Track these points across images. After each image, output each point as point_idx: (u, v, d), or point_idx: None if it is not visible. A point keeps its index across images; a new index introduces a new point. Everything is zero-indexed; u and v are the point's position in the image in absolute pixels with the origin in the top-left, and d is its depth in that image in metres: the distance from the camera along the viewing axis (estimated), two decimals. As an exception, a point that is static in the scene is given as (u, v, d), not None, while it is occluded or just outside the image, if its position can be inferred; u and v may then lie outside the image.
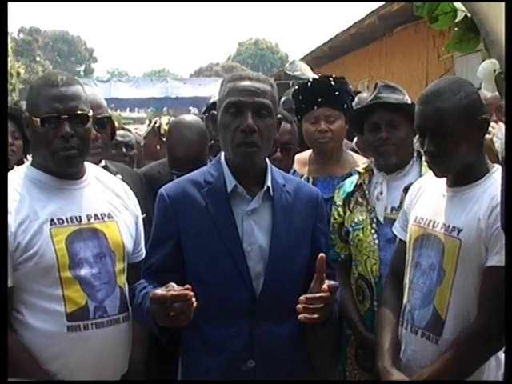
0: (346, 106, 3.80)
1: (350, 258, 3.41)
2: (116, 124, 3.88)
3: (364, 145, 3.46)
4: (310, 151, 3.98)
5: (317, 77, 4.11)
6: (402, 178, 3.28)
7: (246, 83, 2.60)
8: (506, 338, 1.68)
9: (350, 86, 4.04)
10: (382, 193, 3.30)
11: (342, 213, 3.46)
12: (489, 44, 1.71)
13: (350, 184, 3.49)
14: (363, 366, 3.36)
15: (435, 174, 2.70)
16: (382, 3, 12.10)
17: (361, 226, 3.33)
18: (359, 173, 3.46)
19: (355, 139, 4.78)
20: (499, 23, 1.63)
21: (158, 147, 5.66)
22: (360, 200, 3.39)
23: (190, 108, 22.93)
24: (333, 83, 3.80)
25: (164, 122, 5.83)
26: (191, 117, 4.02)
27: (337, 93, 3.78)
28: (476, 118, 2.56)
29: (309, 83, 3.90)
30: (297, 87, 4.02)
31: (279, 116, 2.74)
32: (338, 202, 3.50)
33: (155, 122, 5.82)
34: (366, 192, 3.35)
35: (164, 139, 5.51)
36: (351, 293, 3.35)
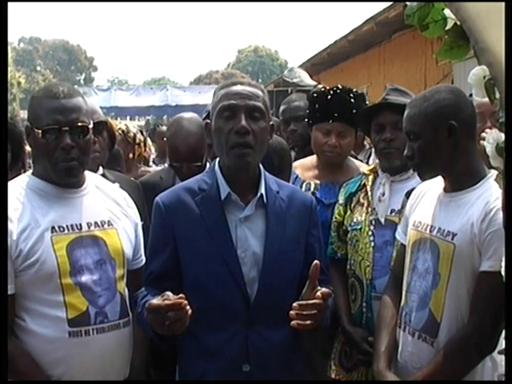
0: None
1: (347, 257, 3.44)
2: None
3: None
4: (312, 157, 4.01)
5: (324, 86, 4.06)
6: (405, 182, 3.31)
7: (238, 88, 2.64)
8: (506, 337, 1.70)
9: (367, 103, 4.02)
10: (384, 194, 3.33)
11: (342, 212, 3.51)
12: (478, 51, 1.74)
13: (354, 184, 3.53)
14: (343, 364, 3.42)
15: (419, 176, 2.82)
16: (380, 10, 12.14)
17: (359, 227, 3.37)
18: (364, 174, 3.51)
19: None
20: (488, 31, 1.67)
21: (131, 155, 5.69)
22: (361, 201, 3.43)
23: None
24: (352, 100, 3.77)
25: (133, 129, 5.85)
26: (190, 113, 4.07)
27: (354, 111, 3.75)
28: (442, 124, 2.63)
29: (329, 95, 3.83)
30: (315, 94, 3.97)
31: (272, 122, 2.76)
32: (340, 201, 3.54)
33: (127, 131, 5.76)
34: (369, 193, 3.39)
35: (136, 147, 5.64)
36: (343, 290, 3.39)
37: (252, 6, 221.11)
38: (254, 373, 2.60)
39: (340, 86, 3.90)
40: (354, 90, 3.89)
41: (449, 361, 2.55)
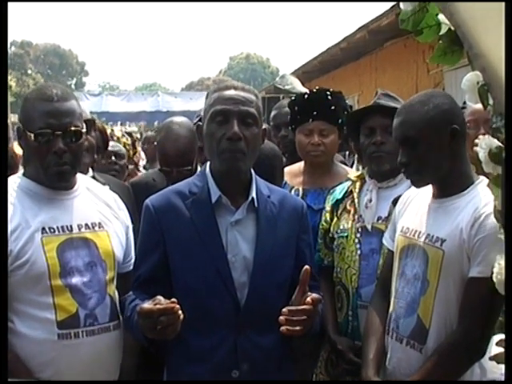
0: (340, 120, 3.79)
1: (334, 265, 3.41)
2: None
3: (359, 151, 3.48)
4: (300, 163, 3.99)
5: (307, 90, 4.11)
6: (392, 189, 3.28)
7: (232, 92, 2.61)
8: (505, 336, 1.70)
9: (347, 101, 4.05)
10: (371, 200, 3.30)
11: (328, 219, 3.48)
12: (472, 57, 1.74)
13: (340, 190, 3.51)
14: (329, 373, 3.40)
15: (413, 184, 2.77)
16: (373, 18, 12.16)
17: (345, 234, 3.34)
18: (351, 180, 3.48)
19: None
20: (482, 36, 1.67)
21: None
22: (348, 207, 3.40)
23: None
24: (330, 97, 3.79)
25: (118, 133, 5.87)
26: (180, 118, 4.08)
27: (333, 107, 3.77)
28: (445, 128, 2.61)
29: (306, 95, 3.89)
30: (293, 98, 4.02)
31: (264, 127, 2.74)
32: (327, 208, 3.51)
33: (111, 136, 5.73)
34: (356, 200, 3.36)
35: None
36: (330, 298, 3.36)
37: (244, 14, 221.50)
38: (243, 379, 2.57)
39: (317, 87, 3.95)
40: (331, 89, 3.92)
41: (437, 367, 2.53)
